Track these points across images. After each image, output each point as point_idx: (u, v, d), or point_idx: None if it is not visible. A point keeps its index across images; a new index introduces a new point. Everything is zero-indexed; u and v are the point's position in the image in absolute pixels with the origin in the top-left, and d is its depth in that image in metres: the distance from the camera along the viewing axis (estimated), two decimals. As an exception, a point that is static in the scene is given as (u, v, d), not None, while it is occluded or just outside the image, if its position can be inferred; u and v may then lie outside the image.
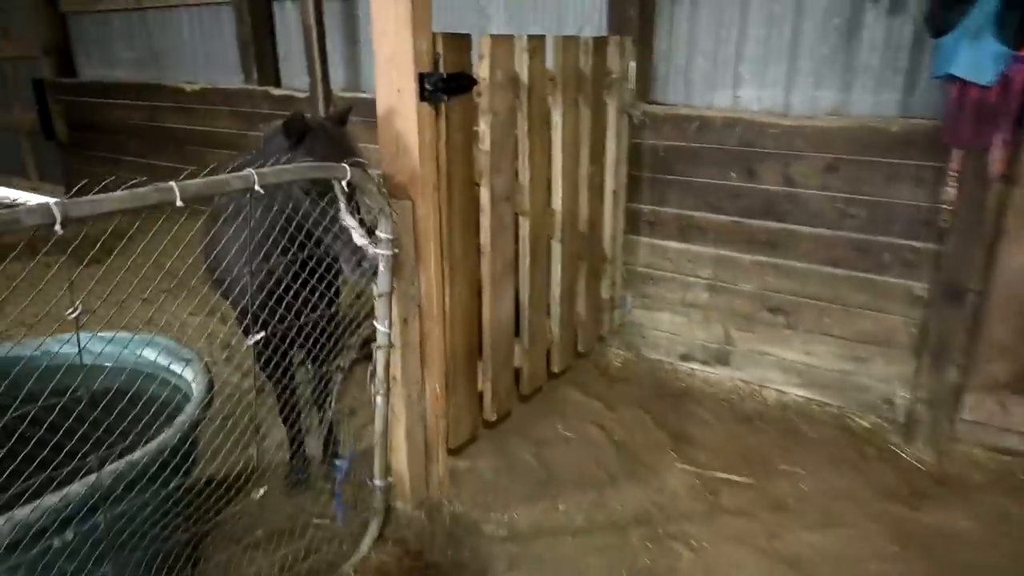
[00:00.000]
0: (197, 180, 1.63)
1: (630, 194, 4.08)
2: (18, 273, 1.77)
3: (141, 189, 1.54)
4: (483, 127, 2.87)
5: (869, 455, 3.39)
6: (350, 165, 2.05)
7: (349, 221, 2.19)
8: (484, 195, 2.96)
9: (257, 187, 1.75)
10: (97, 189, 1.55)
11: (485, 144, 2.89)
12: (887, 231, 3.39)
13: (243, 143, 5.97)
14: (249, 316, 2.31)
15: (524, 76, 3.03)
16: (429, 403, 2.80)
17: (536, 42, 3.05)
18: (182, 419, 2.20)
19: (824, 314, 3.68)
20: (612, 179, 3.94)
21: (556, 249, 3.56)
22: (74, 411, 1.80)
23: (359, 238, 2.19)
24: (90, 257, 3.06)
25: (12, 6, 7.96)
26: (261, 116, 5.88)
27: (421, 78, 2.44)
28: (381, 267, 2.28)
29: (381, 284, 2.31)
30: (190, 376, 2.52)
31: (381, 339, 2.38)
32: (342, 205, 2.17)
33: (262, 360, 2.68)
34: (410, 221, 2.55)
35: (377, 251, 2.23)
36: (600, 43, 3.60)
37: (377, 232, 2.24)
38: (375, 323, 2.37)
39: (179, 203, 1.58)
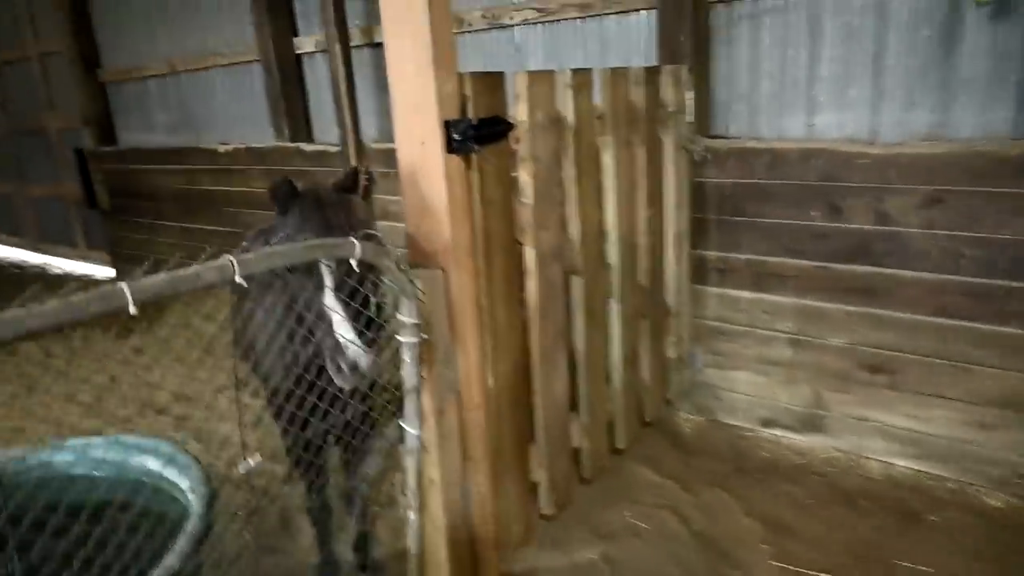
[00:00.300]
0: (156, 278, 1.26)
1: (694, 239, 3.61)
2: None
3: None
4: (524, 177, 2.48)
5: (1010, 545, 2.78)
6: (359, 239, 1.66)
7: (334, 312, 1.79)
8: (529, 255, 2.54)
9: (238, 278, 1.37)
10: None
11: (527, 196, 2.49)
12: (1011, 274, 2.83)
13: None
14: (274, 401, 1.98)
15: (569, 116, 2.63)
16: (474, 507, 2.35)
17: (581, 77, 2.66)
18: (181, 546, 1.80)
19: (935, 372, 3.11)
20: (673, 223, 3.48)
21: (614, 309, 3.11)
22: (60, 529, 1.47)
23: (345, 334, 1.78)
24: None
25: (57, 79, 8.07)
26: (294, 174, 5.62)
27: (447, 127, 2.06)
28: (406, 358, 1.87)
29: (407, 378, 1.90)
30: (188, 485, 2.13)
31: (410, 442, 1.96)
32: (328, 290, 1.78)
33: (290, 452, 2.35)
34: (442, 294, 2.14)
35: (402, 339, 1.83)
36: (652, 73, 3.19)
37: (399, 316, 1.84)
38: (402, 424, 1.94)
39: (132, 310, 1.21)
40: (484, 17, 4.36)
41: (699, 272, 3.65)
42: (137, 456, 2.22)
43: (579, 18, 4.01)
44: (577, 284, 2.83)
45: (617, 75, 2.92)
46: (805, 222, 3.30)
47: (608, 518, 3.05)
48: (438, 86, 2.02)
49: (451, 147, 2.09)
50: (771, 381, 3.57)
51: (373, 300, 1.82)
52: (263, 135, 6.02)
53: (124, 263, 7.90)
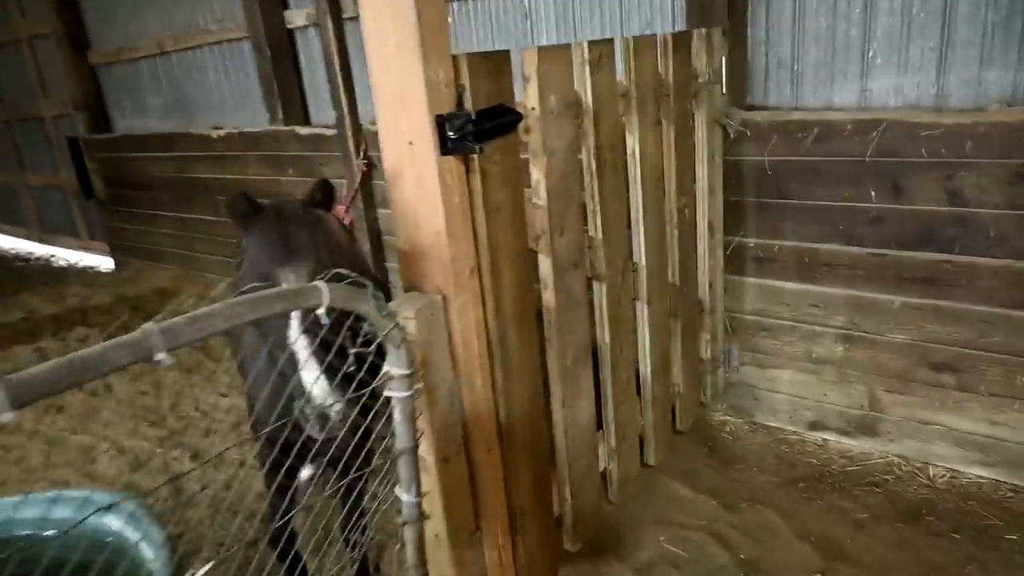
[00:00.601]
0: (41, 370, 0.93)
1: (729, 225, 3.21)
2: None
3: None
4: (536, 174, 2.10)
5: (1110, 574, 2.42)
6: (327, 278, 1.31)
7: (300, 353, 1.49)
8: (544, 264, 2.18)
9: (161, 356, 1.03)
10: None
11: (540, 197, 2.11)
12: (1110, 259, 2.42)
13: (275, 190, 5.38)
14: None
15: (588, 97, 2.23)
16: (489, 560, 2.04)
17: (601, 49, 2.25)
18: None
19: (1011, 371, 2.72)
20: (705, 209, 3.09)
21: (643, 313, 2.74)
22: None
23: (311, 378, 1.52)
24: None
25: (48, 63, 7.71)
26: (290, 160, 5.28)
27: (440, 122, 1.69)
28: (397, 415, 1.53)
29: (399, 438, 1.56)
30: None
31: (408, 512, 1.62)
32: (293, 332, 1.48)
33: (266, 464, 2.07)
34: (442, 324, 1.80)
35: (391, 394, 1.49)
36: (681, 39, 2.76)
37: (386, 368, 1.50)
38: (397, 492, 1.61)
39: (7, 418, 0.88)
40: (487, -20, 3.92)
41: (735, 262, 3.26)
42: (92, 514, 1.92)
43: (593, -24, 3.56)
44: (600, 290, 2.47)
45: (642, 44, 2.51)
46: (860, 203, 2.88)
47: (641, 546, 2.73)
48: (427, 72, 1.64)
49: (445, 147, 1.71)
50: (819, 380, 3.20)
51: (351, 346, 1.48)
52: (257, 118, 5.64)
53: (123, 255, 7.64)
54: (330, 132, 4.83)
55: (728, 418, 3.48)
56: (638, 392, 2.84)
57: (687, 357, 3.13)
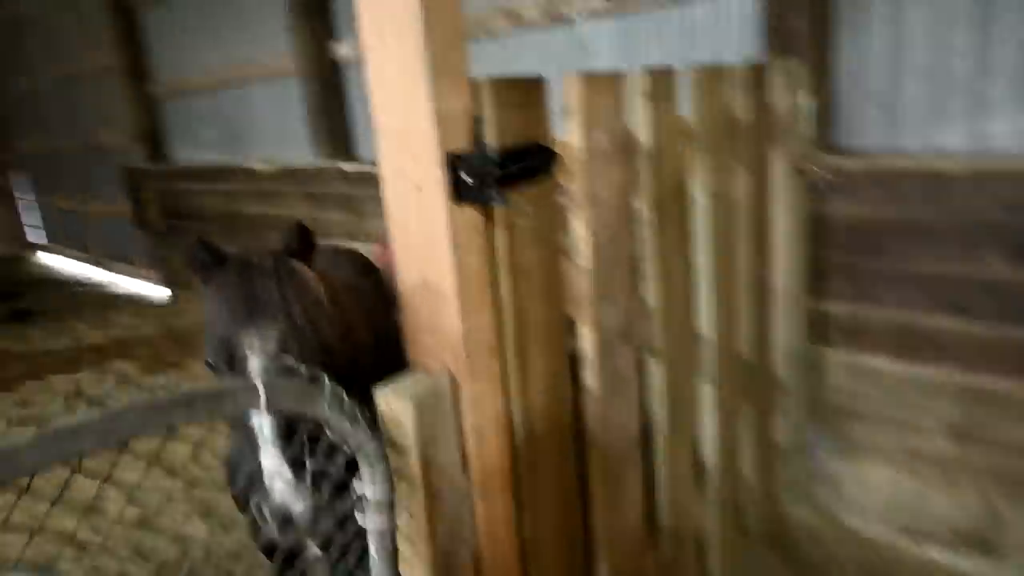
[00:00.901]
0: None
1: (813, 290, 2.74)
2: None
3: None
4: (578, 228, 1.70)
5: None
6: (265, 378, 0.95)
7: (262, 441, 1.17)
8: (587, 338, 1.77)
9: None
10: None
11: (584, 256, 1.71)
12: None
13: (318, 229, 5.14)
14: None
15: (645, 135, 1.84)
16: None
17: (661, 80, 1.86)
18: None
19: None
20: (784, 270, 2.63)
21: (706, 394, 2.29)
22: None
23: (271, 469, 1.25)
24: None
25: (114, 95, 7.83)
26: (335, 198, 5.05)
27: (453, 164, 1.32)
28: (373, 551, 1.14)
29: (374, 586, 1.16)
30: None
31: None
32: (258, 432, 1.13)
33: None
34: (451, 413, 1.41)
35: (367, 525, 1.10)
36: (757, 72, 2.36)
37: (362, 492, 1.12)
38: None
39: None
40: (541, 8, 3.60)
41: (820, 333, 2.77)
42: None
43: (657, 7, 3.19)
44: (656, 369, 2.03)
45: (711, 75, 2.11)
46: (976, 268, 2.38)
47: None
48: (437, 100, 1.29)
49: (460, 195, 1.35)
50: (921, 481, 2.65)
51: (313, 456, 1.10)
52: (303, 153, 5.47)
53: (175, 285, 7.59)
54: (376, 169, 4.57)
55: (806, 518, 2.95)
56: (697, 487, 2.37)
57: (759, 444, 2.64)
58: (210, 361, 1.43)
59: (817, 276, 2.71)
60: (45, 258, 11.48)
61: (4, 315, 7.58)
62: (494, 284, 1.49)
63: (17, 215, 11.99)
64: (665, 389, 2.06)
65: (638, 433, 1.98)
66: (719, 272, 2.23)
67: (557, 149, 1.56)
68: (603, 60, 3.49)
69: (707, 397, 2.29)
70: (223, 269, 1.48)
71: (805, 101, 2.59)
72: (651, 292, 1.96)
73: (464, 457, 1.47)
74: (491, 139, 1.38)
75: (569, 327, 1.73)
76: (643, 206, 1.89)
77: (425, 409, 1.37)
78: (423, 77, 1.27)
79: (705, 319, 2.22)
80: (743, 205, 2.33)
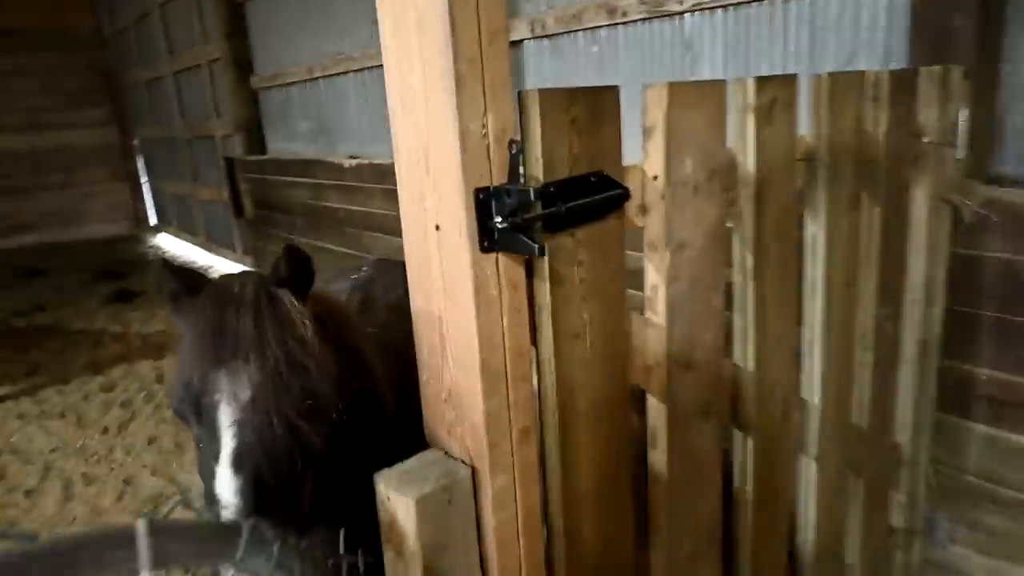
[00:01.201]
0: None
1: (951, 348, 2.24)
2: None
3: None
4: (653, 277, 1.35)
5: None
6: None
7: None
8: (656, 412, 1.42)
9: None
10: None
11: (658, 311, 1.36)
12: None
13: (397, 227, 4.99)
14: None
15: (749, 161, 1.46)
16: None
17: (775, 89, 1.47)
18: None
19: None
20: (916, 322, 2.15)
21: (809, 471, 1.87)
22: None
23: None
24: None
25: (219, 87, 8.05)
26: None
27: (480, 201, 1.01)
28: None
29: None
30: None
31: None
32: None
33: None
34: (469, 513, 1.11)
35: None
36: (902, 81, 1.90)
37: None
38: None
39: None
40: (642, 3, 3.22)
41: (955, 399, 2.27)
42: None
43: (778, -2, 2.75)
44: (745, 445, 1.65)
45: (842, 84, 1.69)
46: None
47: None
48: (463, 118, 0.98)
49: (489, 240, 1.04)
50: (1081, 595, 2.12)
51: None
52: (388, 149, 5.32)
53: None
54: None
55: (922, 613, 2.45)
56: (789, 581, 1.96)
57: (870, 527, 2.18)
58: (176, 409, 1.21)
59: (959, 333, 2.21)
60: (159, 239, 12.10)
61: (110, 295, 7.94)
62: (533, 348, 1.17)
63: (141, 197, 12.72)
64: (755, 469, 1.67)
65: (717, 523, 1.61)
66: (834, 326, 1.81)
67: (629, 180, 1.22)
68: (709, 62, 3.07)
69: (807, 475, 1.87)
70: (196, 300, 1.25)
71: (960, 119, 2.09)
72: (745, 354, 1.58)
73: (484, 568, 1.16)
74: (538, 168, 1.06)
75: (634, 399, 1.39)
76: (742, 249, 1.51)
77: (433, 508, 1.07)
78: (446, 85, 0.97)
79: (813, 384, 1.81)
80: (871, 244, 1.89)
